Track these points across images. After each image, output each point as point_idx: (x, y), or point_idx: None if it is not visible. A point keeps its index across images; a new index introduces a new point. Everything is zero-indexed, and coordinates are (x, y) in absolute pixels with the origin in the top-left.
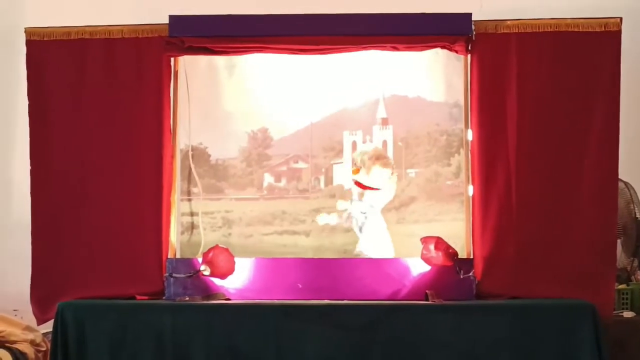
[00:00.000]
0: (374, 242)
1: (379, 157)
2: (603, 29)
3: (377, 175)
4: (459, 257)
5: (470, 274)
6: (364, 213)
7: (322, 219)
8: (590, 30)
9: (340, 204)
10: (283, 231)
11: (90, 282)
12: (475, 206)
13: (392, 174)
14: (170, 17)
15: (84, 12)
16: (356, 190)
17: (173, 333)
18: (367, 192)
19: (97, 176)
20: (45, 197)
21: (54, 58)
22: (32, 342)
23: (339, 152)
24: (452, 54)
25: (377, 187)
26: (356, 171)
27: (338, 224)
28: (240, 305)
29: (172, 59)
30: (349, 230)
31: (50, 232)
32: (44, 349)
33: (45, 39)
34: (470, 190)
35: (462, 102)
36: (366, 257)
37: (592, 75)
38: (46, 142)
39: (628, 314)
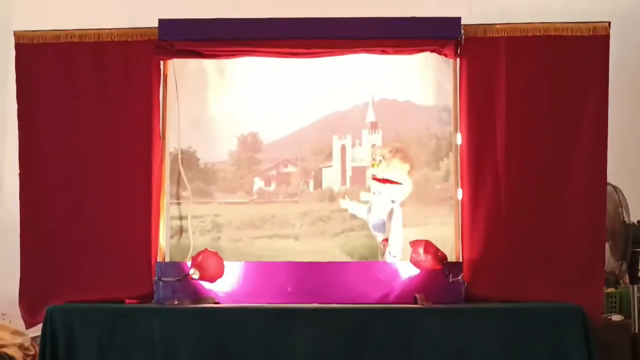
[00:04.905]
0: (396, 239)
1: (398, 151)
2: (591, 33)
3: (396, 169)
4: (448, 260)
5: (459, 277)
6: (394, 202)
7: (345, 203)
8: (578, 34)
9: (363, 195)
10: (272, 235)
11: (80, 286)
12: (465, 210)
13: (410, 169)
14: (160, 20)
15: (73, 15)
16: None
17: (162, 337)
18: (387, 187)
19: (86, 180)
20: (34, 201)
21: (43, 61)
22: (21, 346)
23: (328, 156)
24: (442, 58)
25: (399, 182)
26: (375, 165)
27: (355, 214)
28: (229, 309)
29: (162, 62)
30: (338, 233)
31: (39, 235)
32: (32, 352)
33: (34, 42)
34: (460, 193)
35: (451, 105)
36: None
37: (580, 79)
38: (35, 145)
39: (616, 318)
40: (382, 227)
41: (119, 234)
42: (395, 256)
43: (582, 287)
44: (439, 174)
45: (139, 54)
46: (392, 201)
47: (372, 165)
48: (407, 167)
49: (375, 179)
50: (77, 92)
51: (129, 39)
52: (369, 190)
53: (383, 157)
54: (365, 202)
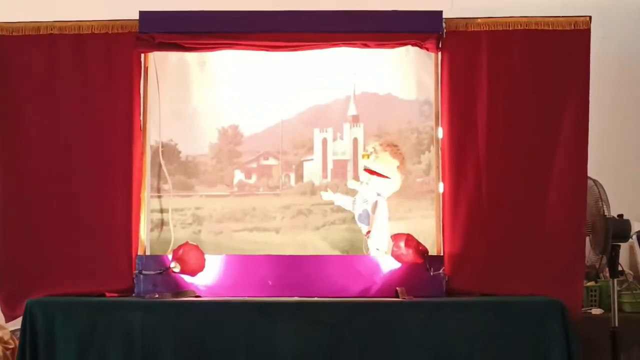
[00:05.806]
0: (380, 232)
1: (390, 145)
2: (572, 27)
3: (385, 163)
4: (429, 254)
5: (441, 271)
6: (380, 195)
7: (328, 195)
8: (560, 28)
9: (351, 184)
10: (253, 228)
11: (60, 279)
12: (446, 203)
13: (399, 165)
14: (141, 13)
15: (53, 7)
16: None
17: (143, 330)
18: (374, 180)
19: (67, 173)
20: (14, 193)
21: (22, 54)
22: (0, 340)
23: (310, 149)
24: (423, 52)
25: (387, 175)
26: (365, 157)
27: (341, 206)
28: (210, 303)
29: (143, 55)
30: (319, 227)
31: (19, 228)
32: (12, 346)
33: (14, 34)
34: (441, 187)
35: (432, 99)
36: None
37: (561, 74)
38: (15, 138)
39: (596, 311)
40: (367, 218)
41: (100, 227)
42: (378, 249)
43: (562, 281)
44: (420, 168)
45: (119, 47)
46: (378, 194)
47: (363, 157)
48: (396, 162)
49: (366, 170)
50: (58, 85)
51: (110, 31)
52: (357, 179)
53: (374, 150)
54: (352, 192)
